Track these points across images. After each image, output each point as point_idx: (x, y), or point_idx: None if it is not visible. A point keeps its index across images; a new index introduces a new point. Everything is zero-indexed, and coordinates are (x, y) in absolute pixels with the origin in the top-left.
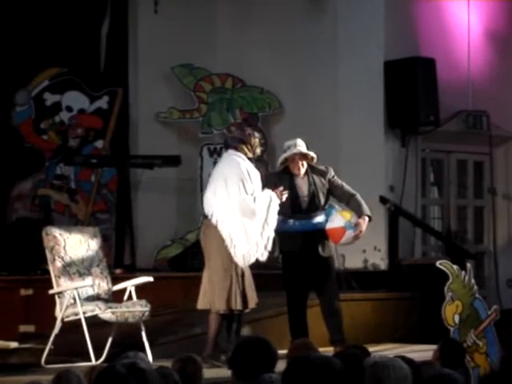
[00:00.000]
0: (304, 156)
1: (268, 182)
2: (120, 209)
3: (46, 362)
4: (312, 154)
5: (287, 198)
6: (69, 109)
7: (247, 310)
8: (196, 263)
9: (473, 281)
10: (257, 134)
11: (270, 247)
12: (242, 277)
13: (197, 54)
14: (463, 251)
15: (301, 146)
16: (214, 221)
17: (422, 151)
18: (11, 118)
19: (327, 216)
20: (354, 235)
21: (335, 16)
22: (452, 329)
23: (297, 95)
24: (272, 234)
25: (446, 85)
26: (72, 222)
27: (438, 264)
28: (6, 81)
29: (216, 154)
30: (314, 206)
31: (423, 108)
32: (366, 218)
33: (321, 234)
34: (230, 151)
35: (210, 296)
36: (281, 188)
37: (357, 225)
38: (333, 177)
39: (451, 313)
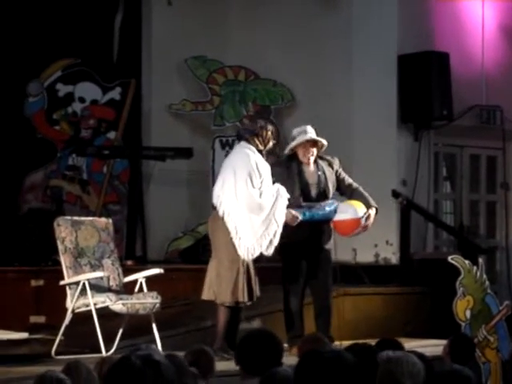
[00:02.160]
0: (314, 143)
1: (275, 174)
2: (132, 200)
3: (57, 353)
4: (323, 141)
5: (296, 187)
6: (81, 100)
7: (249, 303)
8: (207, 255)
9: (484, 276)
10: (269, 127)
11: (276, 242)
12: (248, 269)
13: (210, 46)
14: (475, 246)
15: (311, 132)
16: (220, 212)
17: (434, 145)
18: (24, 109)
19: (335, 207)
20: (364, 226)
21: (350, 9)
22: (463, 324)
23: (310, 88)
24: (280, 229)
25: (460, 79)
26: (84, 213)
27: (449, 259)
28: (19, 71)
29: (228, 147)
30: (323, 195)
31: (437, 102)
32: (374, 210)
33: (327, 226)
34: (242, 143)
35: (216, 288)
36: (297, 215)
37: (367, 217)
38: (339, 168)
39: (462, 308)
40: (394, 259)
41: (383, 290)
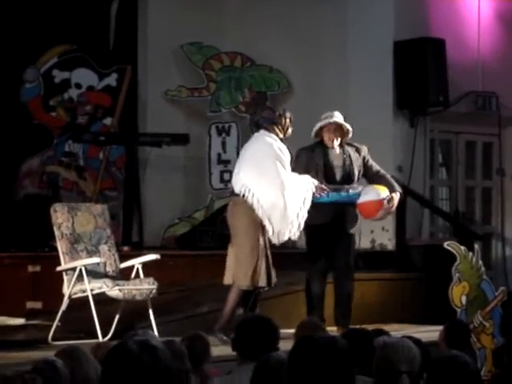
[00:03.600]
0: (339, 128)
1: (299, 159)
2: (128, 186)
3: (53, 339)
4: (348, 126)
5: (320, 168)
6: (78, 86)
7: (266, 289)
8: (203, 241)
9: (480, 262)
10: (287, 114)
11: (302, 227)
12: (266, 255)
13: (206, 32)
14: (471, 232)
15: (338, 117)
16: (250, 200)
17: (430, 132)
18: (20, 95)
19: (359, 191)
20: (387, 208)
21: None
22: (459, 310)
23: (306, 74)
24: (306, 215)
25: (456, 65)
26: (80, 199)
27: (445, 245)
28: (15, 57)
29: (224, 133)
30: (348, 178)
31: (432, 89)
32: (398, 194)
33: (351, 210)
34: (262, 131)
35: (235, 271)
36: (322, 186)
37: (390, 199)
38: (367, 155)
39: (458, 294)
40: (390, 245)
41: (379, 276)
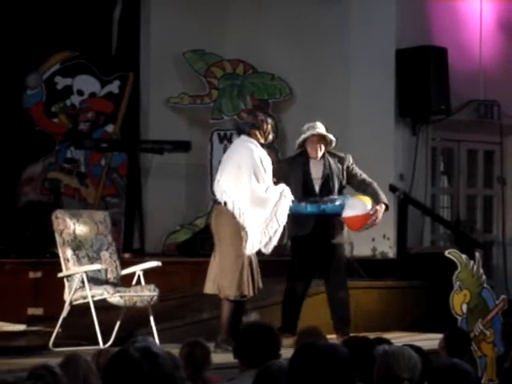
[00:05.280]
0: (322, 139)
1: (278, 171)
2: (130, 193)
3: (54, 345)
4: (331, 136)
5: (299, 180)
6: (80, 92)
7: (250, 296)
8: (205, 249)
9: (481, 270)
10: (269, 120)
11: (275, 241)
12: (250, 262)
13: (208, 39)
14: (472, 240)
15: (320, 128)
16: (230, 207)
17: (432, 140)
18: (22, 101)
19: (343, 202)
20: (372, 221)
21: (348, 3)
22: (460, 318)
23: (308, 82)
24: (280, 229)
25: (458, 74)
26: (82, 206)
27: (446, 253)
28: (18, 64)
29: (226, 140)
30: (327, 190)
31: (434, 97)
32: (383, 206)
33: (333, 220)
34: (243, 137)
35: (220, 281)
36: None
37: (375, 212)
38: (351, 164)
39: (459, 302)
40: (391, 253)
41: (380, 284)
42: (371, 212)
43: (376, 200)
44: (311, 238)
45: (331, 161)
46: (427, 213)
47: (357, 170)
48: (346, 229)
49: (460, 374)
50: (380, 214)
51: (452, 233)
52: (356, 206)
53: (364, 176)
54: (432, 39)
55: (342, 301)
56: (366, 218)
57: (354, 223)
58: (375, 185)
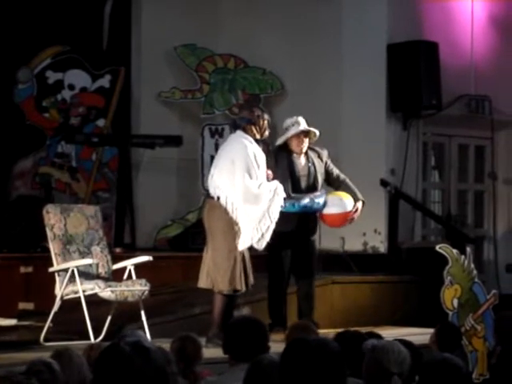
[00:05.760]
0: (306, 134)
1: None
2: (121, 188)
3: (45, 340)
4: (316, 131)
5: (287, 178)
6: (71, 87)
7: (243, 291)
8: (196, 243)
9: (472, 265)
10: (266, 116)
11: (268, 237)
12: (243, 257)
13: (200, 34)
14: (463, 235)
15: (304, 123)
16: (223, 203)
17: (423, 135)
18: (13, 96)
19: (325, 199)
20: (351, 219)
21: None
22: (451, 313)
23: (299, 77)
24: (273, 226)
25: (449, 69)
26: (72, 201)
27: (437, 248)
28: (9, 58)
29: (217, 135)
30: (313, 186)
31: (425, 92)
32: (361, 202)
33: (314, 216)
34: (238, 132)
35: (214, 276)
36: (268, 171)
37: (355, 210)
38: (327, 159)
39: (450, 297)
40: (382, 248)
41: (371, 279)
42: (353, 210)
43: (354, 198)
44: (294, 233)
45: (312, 155)
46: (418, 207)
47: (332, 167)
48: (319, 226)
49: (451, 369)
50: (359, 212)
51: (443, 228)
52: (336, 204)
53: (338, 172)
54: (423, 34)
55: (312, 296)
56: (346, 216)
57: (334, 220)
58: (348, 181)
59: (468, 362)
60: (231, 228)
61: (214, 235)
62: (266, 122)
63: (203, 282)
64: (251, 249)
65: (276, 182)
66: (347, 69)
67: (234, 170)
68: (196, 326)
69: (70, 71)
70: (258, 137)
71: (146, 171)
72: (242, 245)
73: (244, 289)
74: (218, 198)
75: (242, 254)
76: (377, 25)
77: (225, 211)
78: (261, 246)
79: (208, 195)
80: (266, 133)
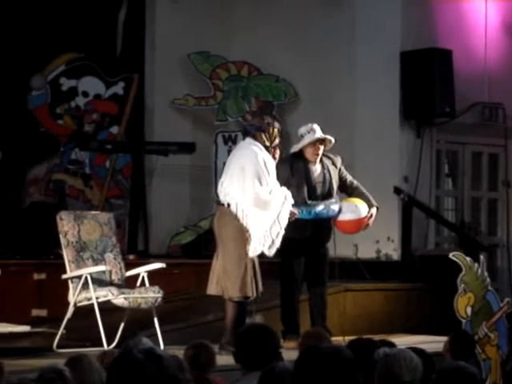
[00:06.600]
0: (322, 141)
1: (279, 171)
2: (134, 195)
3: (58, 347)
4: (332, 138)
5: (303, 185)
6: (85, 94)
7: (252, 298)
8: (209, 250)
9: (485, 273)
10: (276, 124)
11: (278, 244)
12: (253, 264)
13: (213, 41)
14: (476, 243)
15: (319, 130)
16: (234, 209)
17: (437, 142)
18: (27, 103)
19: (340, 206)
20: (366, 225)
21: (353, 6)
22: (464, 321)
23: (313, 84)
24: (282, 232)
25: (463, 76)
26: (86, 207)
27: (451, 255)
28: (23, 65)
29: (231, 142)
30: (328, 193)
31: (439, 99)
32: (375, 209)
33: (329, 223)
34: (248, 139)
35: (224, 283)
36: (295, 211)
37: (370, 216)
38: (341, 165)
39: (463, 305)
40: (396, 255)
41: (384, 286)
42: (367, 216)
43: (368, 204)
44: (308, 240)
45: (327, 162)
46: (432, 215)
47: (345, 173)
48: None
49: (465, 377)
50: (373, 218)
51: (456, 235)
52: (351, 210)
53: (351, 179)
54: (437, 41)
55: (325, 303)
56: (361, 222)
57: (349, 227)
58: (362, 187)
59: (481, 370)
60: (241, 235)
61: (225, 242)
62: (276, 129)
63: (213, 289)
64: (262, 255)
65: (285, 189)
66: (361, 76)
67: (244, 177)
68: (209, 333)
69: (84, 78)
70: (267, 144)
71: (160, 178)
72: (253, 252)
73: (254, 295)
74: (229, 205)
75: (252, 260)
76: (390, 32)
77: (235, 218)
78: (271, 252)
79: (218, 202)
80: (276, 141)
